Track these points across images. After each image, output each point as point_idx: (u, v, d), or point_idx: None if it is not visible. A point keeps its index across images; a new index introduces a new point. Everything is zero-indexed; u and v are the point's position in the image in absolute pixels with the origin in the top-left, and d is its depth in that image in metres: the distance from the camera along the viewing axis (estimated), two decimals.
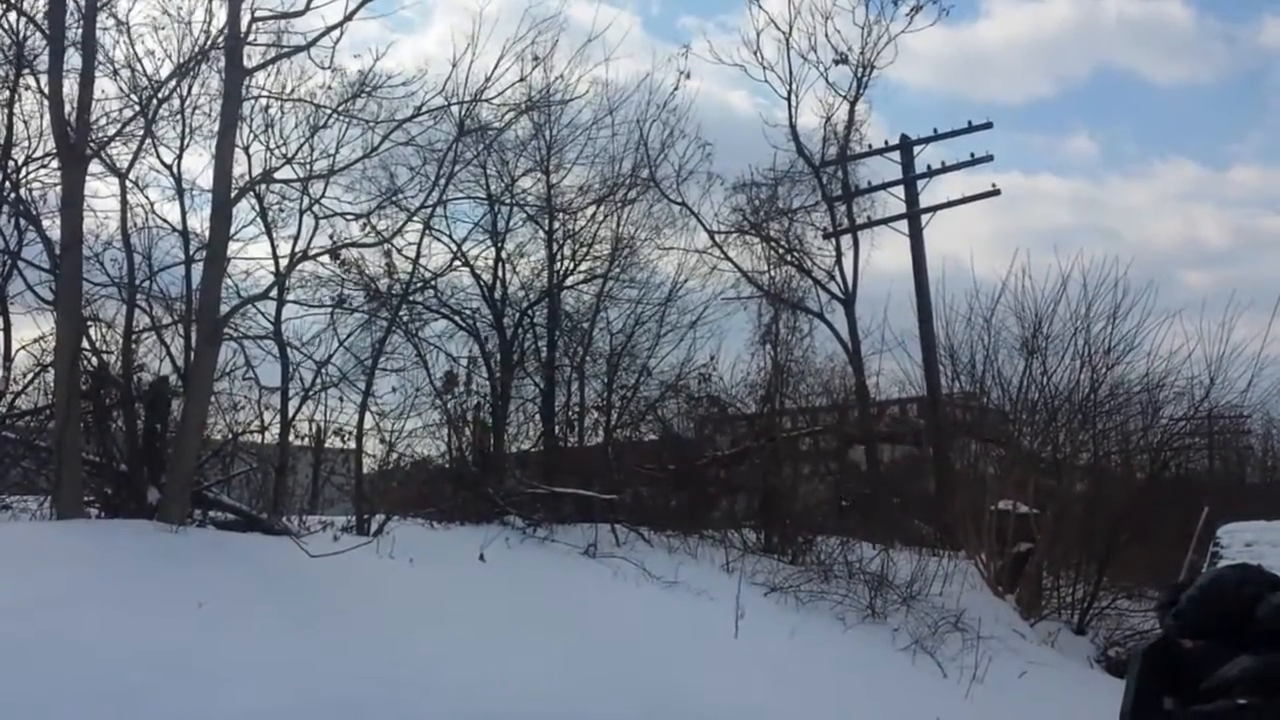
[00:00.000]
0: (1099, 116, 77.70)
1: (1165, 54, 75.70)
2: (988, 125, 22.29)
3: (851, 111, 22.66)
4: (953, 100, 56.97)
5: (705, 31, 62.77)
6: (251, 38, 9.63)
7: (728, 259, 20.92)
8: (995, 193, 22.68)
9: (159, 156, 10.84)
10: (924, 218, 22.42)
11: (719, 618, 9.58)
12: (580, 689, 7.32)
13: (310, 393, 13.07)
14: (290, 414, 12.86)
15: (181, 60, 10.47)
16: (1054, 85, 73.58)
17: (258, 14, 9.58)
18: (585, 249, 16.31)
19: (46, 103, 9.81)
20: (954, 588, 12.85)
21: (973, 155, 22.14)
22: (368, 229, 12.27)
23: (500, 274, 15.32)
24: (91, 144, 9.51)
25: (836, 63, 22.21)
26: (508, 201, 15.48)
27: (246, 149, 11.68)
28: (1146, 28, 75.44)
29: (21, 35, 10.95)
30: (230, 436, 11.40)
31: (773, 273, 20.21)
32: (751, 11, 22.60)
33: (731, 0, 61.03)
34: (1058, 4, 68.88)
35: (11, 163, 11.67)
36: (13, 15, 10.70)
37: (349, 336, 13.58)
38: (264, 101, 11.49)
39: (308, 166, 11.48)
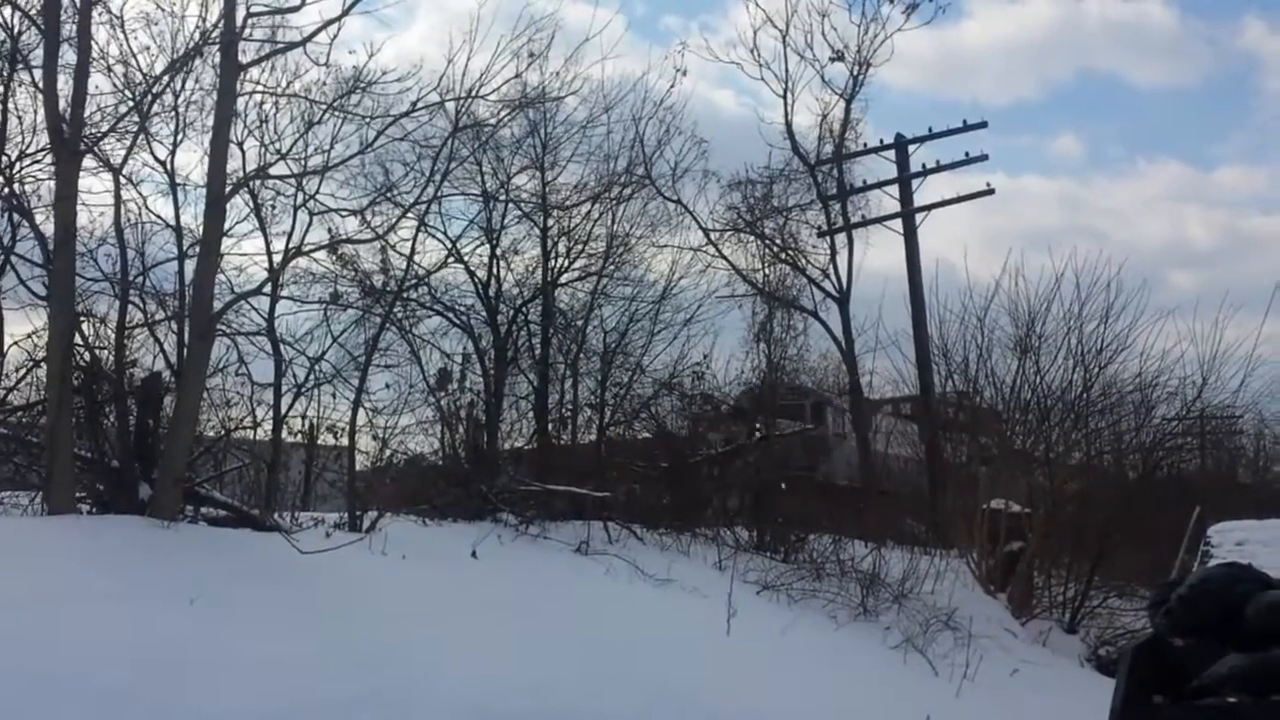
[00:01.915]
0: (1084, 118, 78.05)
1: (1148, 56, 76.02)
2: (983, 124, 22.37)
3: (847, 110, 22.73)
4: (936, 102, 57.09)
5: (689, 32, 62.87)
6: (246, 33, 9.62)
7: (722, 257, 20.96)
8: (989, 192, 22.76)
9: (153, 152, 10.82)
10: (918, 217, 22.47)
11: (711, 615, 9.60)
12: (572, 686, 7.33)
13: (303, 389, 13.08)
14: (283, 410, 12.86)
15: (176, 56, 10.45)
16: (1038, 87, 73.77)
17: (252, 9, 9.59)
18: (580, 246, 16.32)
19: (41, 98, 9.78)
20: (945, 586, 12.88)
21: (967, 154, 22.22)
22: (362, 225, 12.26)
23: (495, 271, 15.34)
24: (85, 139, 9.50)
25: (833, 60, 22.27)
26: (503, 198, 15.49)
27: (240, 145, 11.66)
28: (1129, 29, 75.69)
29: (16, 30, 10.93)
30: (223, 433, 11.39)
31: (767, 271, 20.26)
32: (749, 9, 22.65)
33: (714, 1, 61.10)
34: (1039, 5, 69.02)
35: (5, 158, 11.64)
36: (7, 10, 10.69)
37: (343, 333, 13.60)
38: (258, 97, 11.48)
39: (302, 162, 11.46)
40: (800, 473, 18.12)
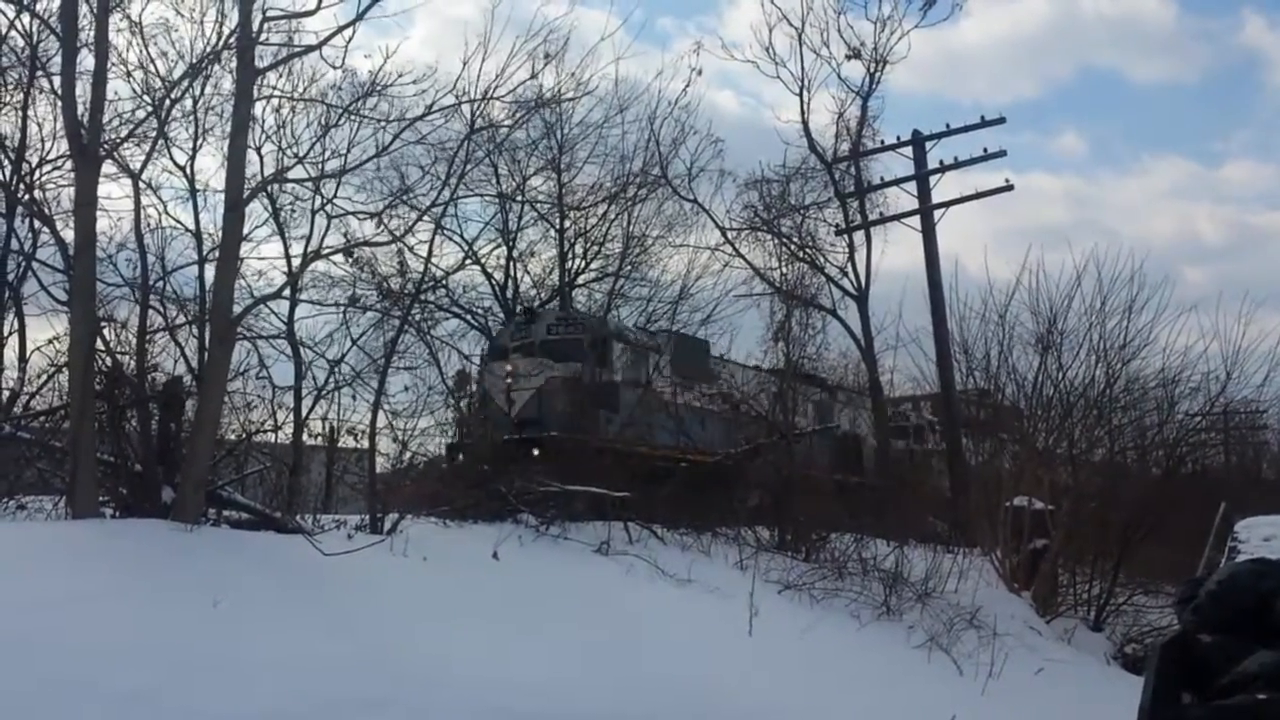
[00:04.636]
0: (1086, 115, 77.88)
1: (1147, 53, 75.72)
2: (1000, 120, 22.18)
3: (864, 107, 22.64)
4: (936, 102, 56.90)
5: (684, 33, 63.15)
6: (263, 38, 9.65)
7: (739, 255, 20.95)
8: (1009, 188, 22.60)
9: (171, 157, 10.91)
10: (936, 214, 22.35)
11: (732, 615, 9.56)
12: (593, 686, 7.31)
13: (323, 392, 13.13)
14: (303, 413, 12.91)
15: (194, 61, 10.49)
16: (1038, 85, 73.56)
17: (269, 14, 9.60)
18: (596, 247, 16.40)
19: (60, 104, 9.84)
20: (969, 584, 12.80)
21: (985, 150, 22.07)
22: (380, 228, 12.30)
23: (512, 272, 15.44)
24: (105, 145, 9.54)
25: (849, 58, 22.18)
26: (519, 200, 15.54)
27: (258, 149, 11.75)
28: (1126, 26, 75.36)
29: (35, 37, 11.01)
30: (244, 436, 11.43)
31: (784, 269, 20.22)
32: (764, 7, 22.60)
33: (709, 2, 61.31)
34: (1035, 3, 68.72)
35: (26, 164, 11.75)
36: (26, 17, 10.77)
37: (361, 336, 13.65)
38: (275, 102, 11.54)
39: (319, 166, 11.51)
40: (579, 431, 14.25)
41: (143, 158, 10.35)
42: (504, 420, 13.85)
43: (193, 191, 10.86)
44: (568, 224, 16.47)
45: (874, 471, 19.35)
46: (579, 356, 15.26)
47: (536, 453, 13.16)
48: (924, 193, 22.32)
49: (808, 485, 14.95)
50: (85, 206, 9.01)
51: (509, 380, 14.11)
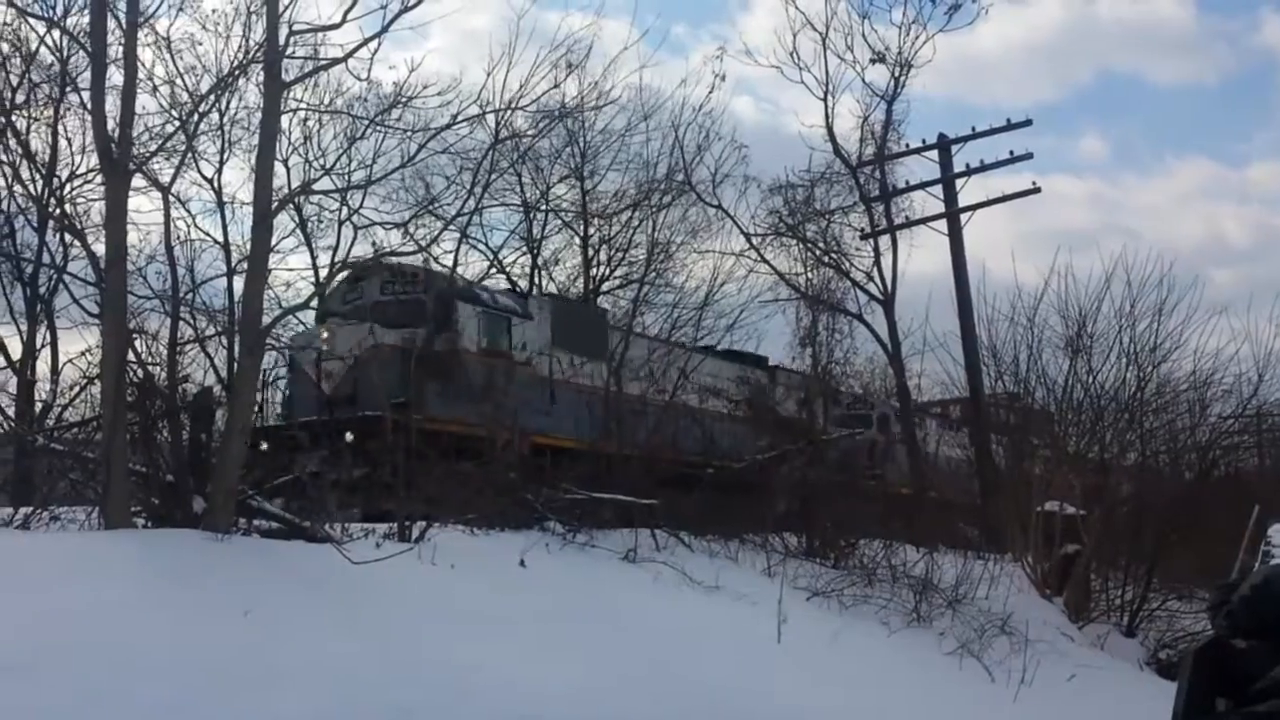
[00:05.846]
0: (1107, 118, 77.25)
1: (1166, 54, 74.90)
2: (1027, 123, 22.06)
3: (889, 112, 22.58)
4: (956, 105, 56.51)
5: (699, 40, 63.24)
6: (289, 51, 9.73)
7: (764, 261, 20.93)
8: (1036, 190, 22.50)
9: (200, 171, 10.99)
10: (961, 217, 22.23)
11: (761, 623, 9.53)
12: (621, 695, 7.30)
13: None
14: None
15: (221, 75, 10.60)
16: (1058, 88, 72.79)
17: (295, 28, 9.69)
18: (621, 254, 16.41)
19: (90, 119, 9.96)
20: (1000, 590, 12.70)
21: (1011, 153, 21.95)
22: (405, 238, 12.37)
23: (536, 280, 15.44)
24: (134, 159, 9.65)
25: (874, 62, 22.15)
26: (543, 208, 15.58)
27: (285, 162, 11.87)
28: (1144, 28, 74.56)
29: (65, 53, 11.18)
30: None
31: (810, 274, 20.20)
32: (788, 12, 22.62)
33: (721, 9, 61.35)
34: (1050, 7, 68.16)
35: (56, 179, 11.92)
36: (56, 33, 10.93)
37: None
38: (302, 114, 11.65)
39: (345, 177, 11.61)
40: (398, 406, 11.54)
41: (172, 171, 10.45)
42: (315, 399, 11.68)
43: (220, 204, 10.96)
44: (592, 231, 16.56)
45: (833, 467, 18.84)
46: (418, 321, 12.90)
47: (350, 438, 11.19)
48: (950, 196, 22.21)
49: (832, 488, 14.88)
50: (115, 220, 9.11)
51: (324, 349, 11.68)
